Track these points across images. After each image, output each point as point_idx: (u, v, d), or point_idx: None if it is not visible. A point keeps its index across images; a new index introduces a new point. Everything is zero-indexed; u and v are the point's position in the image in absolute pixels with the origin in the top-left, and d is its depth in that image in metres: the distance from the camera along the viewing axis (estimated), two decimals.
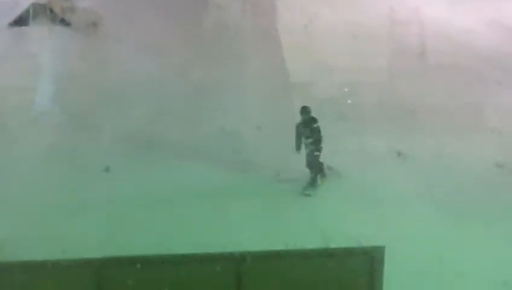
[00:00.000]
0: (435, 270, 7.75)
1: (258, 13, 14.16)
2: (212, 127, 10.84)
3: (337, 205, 9.04)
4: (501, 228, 8.62)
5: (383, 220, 8.63)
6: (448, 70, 12.54)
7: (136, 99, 11.42)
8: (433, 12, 14.19)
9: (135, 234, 8.24)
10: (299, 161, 9.45)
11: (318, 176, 9.56)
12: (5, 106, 11.08)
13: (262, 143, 10.00)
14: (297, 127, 9.51)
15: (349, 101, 11.63)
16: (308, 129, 9.43)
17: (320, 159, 9.48)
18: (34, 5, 13.42)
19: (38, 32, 13.21)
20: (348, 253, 6.33)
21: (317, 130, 9.41)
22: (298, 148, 9.51)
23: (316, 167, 9.52)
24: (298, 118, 9.59)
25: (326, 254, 6.40)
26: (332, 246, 7.18)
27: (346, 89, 11.91)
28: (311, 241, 7.74)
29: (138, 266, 5.82)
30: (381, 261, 6.10)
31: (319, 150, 9.43)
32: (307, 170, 9.50)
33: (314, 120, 9.47)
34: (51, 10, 13.45)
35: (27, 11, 13.41)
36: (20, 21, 13.46)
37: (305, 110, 9.49)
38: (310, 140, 9.40)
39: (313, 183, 9.49)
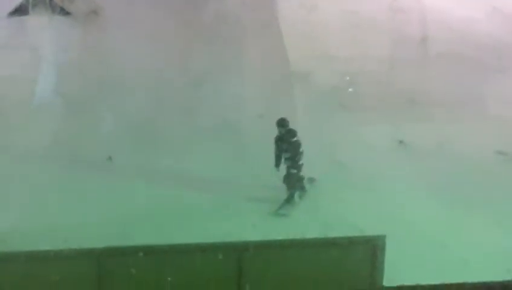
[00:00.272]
0: (437, 258, 7.76)
1: (258, 3, 14.10)
2: (212, 117, 10.82)
3: (337, 194, 9.03)
4: (504, 215, 8.62)
5: (384, 209, 8.64)
6: (449, 59, 12.51)
7: (136, 89, 11.40)
8: (434, 1, 14.12)
9: (137, 223, 8.23)
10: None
11: (296, 194, 8.90)
12: (5, 96, 11.05)
13: (264, 131, 9.92)
14: (276, 141, 8.75)
15: (350, 90, 11.60)
16: (286, 143, 8.69)
17: (303, 172, 8.80)
18: None
19: (38, 22, 13.18)
20: (349, 242, 6.34)
21: (295, 145, 8.66)
22: (277, 164, 8.75)
23: (292, 185, 8.82)
24: (299, 109, 9.52)
25: (327, 243, 6.41)
26: (333, 235, 7.18)
27: (347, 78, 11.88)
28: (312, 231, 7.75)
29: (141, 254, 5.83)
30: (383, 250, 6.12)
31: (296, 167, 8.74)
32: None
33: (291, 133, 8.71)
34: None
35: (26, 1, 13.36)
36: (20, 10, 13.42)
37: (281, 123, 8.72)
38: (287, 155, 8.70)
39: (289, 201, 8.82)
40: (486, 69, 12.32)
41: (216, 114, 10.86)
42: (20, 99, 11.09)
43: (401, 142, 10.27)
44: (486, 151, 10.09)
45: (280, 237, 6.80)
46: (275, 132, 8.84)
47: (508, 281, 6.28)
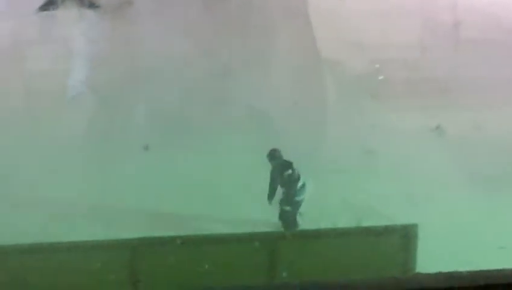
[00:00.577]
0: (474, 246, 7.65)
1: None
2: (241, 106, 10.82)
3: (368, 183, 8.96)
4: None
5: (417, 197, 8.55)
6: (482, 44, 12.27)
7: (166, 80, 11.44)
8: None
9: (174, 212, 8.24)
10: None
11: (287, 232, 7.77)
12: (38, 89, 11.20)
13: (296, 119, 9.79)
14: (272, 173, 7.91)
15: (380, 78, 11.48)
16: (280, 177, 7.84)
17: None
18: None
19: (68, 16, 13.31)
20: (381, 231, 6.31)
21: (290, 179, 7.78)
22: (270, 197, 7.80)
23: (288, 224, 7.74)
24: (330, 97, 9.40)
25: (359, 233, 6.40)
26: (365, 224, 7.14)
27: (377, 66, 11.75)
28: (343, 221, 7.71)
29: (177, 243, 5.86)
30: (415, 239, 6.07)
31: (291, 204, 7.77)
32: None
33: (285, 166, 7.89)
34: None
35: None
36: (49, 5, 13.54)
37: (272, 155, 7.98)
38: (282, 190, 7.84)
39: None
40: None
41: (246, 103, 10.85)
42: (53, 92, 11.20)
43: (433, 129, 10.12)
44: None
45: (311, 227, 6.79)
46: (303, 121, 8.76)
47: None
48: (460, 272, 1.92)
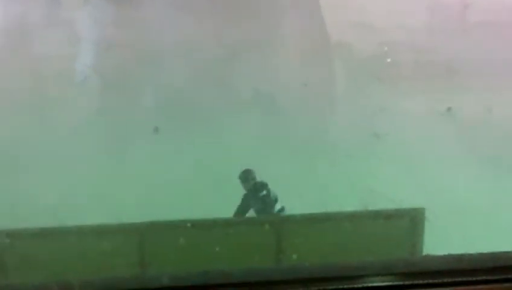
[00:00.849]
0: (483, 229, 7.59)
1: None
2: (248, 89, 10.78)
3: (377, 166, 8.91)
4: None
5: (424, 181, 8.50)
6: (490, 27, 12.14)
7: (173, 63, 11.39)
8: None
9: (184, 196, 8.23)
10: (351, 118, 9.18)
11: None
12: (45, 74, 11.19)
13: (303, 102, 9.71)
14: (244, 197, 7.28)
15: (388, 60, 11.39)
16: (253, 200, 7.23)
17: None
18: None
19: None
20: (387, 215, 6.27)
21: (266, 201, 7.19)
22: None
23: None
24: (338, 79, 9.33)
25: (365, 217, 6.35)
26: (371, 208, 7.09)
27: (385, 48, 11.66)
28: (349, 205, 7.67)
29: (187, 227, 5.84)
30: (422, 223, 6.03)
31: None
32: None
33: (260, 187, 7.30)
34: None
35: None
36: None
37: (246, 176, 7.38)
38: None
39: None
40: None
41: (253, 85, 10.81)
42: (60, 77, 11.20)
43: (443, 112, 10.05)
44: None
45: (318, 211, 6.75)
46: (309, 104, 8.72)
47: None
48: (470, 254, 1.89)
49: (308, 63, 11.21)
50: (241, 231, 5.94)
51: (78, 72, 11.30)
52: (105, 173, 8.83)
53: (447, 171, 8.77)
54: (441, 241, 6.93)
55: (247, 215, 7.33)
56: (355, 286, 1.74)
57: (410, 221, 6.11)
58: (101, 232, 5.82)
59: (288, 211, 7.05)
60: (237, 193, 8.19)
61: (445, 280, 1.66)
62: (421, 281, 1.67)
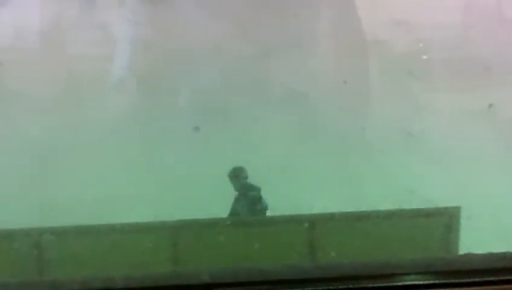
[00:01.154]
0: None
1: None
2: (281, 88, 10.78)
3: (412, 165, 8.83)
4: None
5: (459, 180, 8.40)
6: None
7: (206, 62, 11.45)
8: None
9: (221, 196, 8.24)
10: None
11: None
12: (81, 75, 11.34)
13: (336, 100, 9.65)
14: (235, 202, 6.79)
15: (424, 57, 11.27)
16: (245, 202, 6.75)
17: None
18: None
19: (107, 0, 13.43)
20: (421, 214, 6.22)
21: (256, 203, 6.74)
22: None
23: None
24: (372, 77, 9.25)
25: (400, 216, 6.30)
26: (406, 207, 7.03)
27: (421, 45, 11.54)
28: (383, 204, 7.62)
29: (220, 227, 5.87)
30: (457, 223, 5.96)
31: None
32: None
33: (251, 187, 6.88)
34: None
35: None
36: None
37: (237, 173, 6.86)
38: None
39: None
40: None
41: (286, 85, 10.80)
42: (96, 77, 11.34)
43: (482, 109, 9.91)
44: None
45: (349, 210, 6.72)
46: (342, 103, 8.67)
47: None
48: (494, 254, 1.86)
49: (343, 61, 11.16)
50: (277, 229, 5.95)
51: (114, 73, 11.45)
52: (144, 173, 8.91)
53: (484, 170, 8.64)
54: (477, 240, 6.84)
55: None
56: (394, 284, 1.74)
57: (446, 220, 6.04)
58: (140, 230, 5.89)
59: (322, 210, 7.00)
60: (270, 192, 8.22)
61: (487, 279, 1.64)
62: (462, 280, 1.66)
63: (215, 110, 10.18)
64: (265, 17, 12.57)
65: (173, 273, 1.77)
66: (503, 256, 1.77)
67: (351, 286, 1.64)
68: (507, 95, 10.17)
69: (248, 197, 6.80)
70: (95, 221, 6.20)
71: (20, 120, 9.93)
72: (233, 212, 6.81)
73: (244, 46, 11.88)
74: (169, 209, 7.33)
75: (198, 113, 10.19)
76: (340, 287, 1.65)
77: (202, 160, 9.08)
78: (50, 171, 8.68)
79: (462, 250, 6.03)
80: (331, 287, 1.66)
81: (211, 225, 5.90)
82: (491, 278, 1.68)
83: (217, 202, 7.81)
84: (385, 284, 1.70)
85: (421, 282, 1.70)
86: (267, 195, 7.94)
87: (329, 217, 6.08)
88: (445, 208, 6.22)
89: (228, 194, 7.87)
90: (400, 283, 1.71)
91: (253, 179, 8.52)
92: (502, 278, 1.68)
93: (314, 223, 6.00)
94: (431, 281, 1.71)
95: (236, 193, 6.88)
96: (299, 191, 8.31)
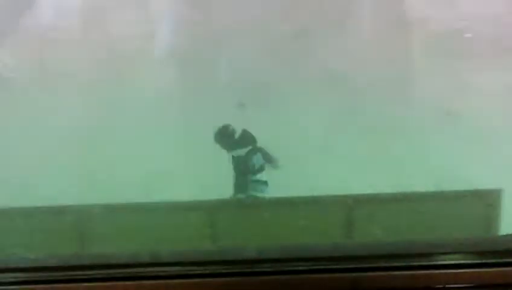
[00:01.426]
0: None
1: None
2: (319, 68, 10.74)
3: (451, 145, 8.73)
4: None
5: (501, 162, 8.26)
6: None
7: (244, 42, 11.47)
8: None
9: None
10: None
11: None
12: (125, 53, 11.49)
13: (376, 79, 9.53)
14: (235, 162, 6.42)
15: (467, 35, 11.05)
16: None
17: None
18: None
19: None
20: (462, 196, 6.16)
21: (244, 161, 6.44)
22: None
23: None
24: (413, 55, 9.13)
25: (439, 198, 6.26)
26: (445, 189, 6.98)
27: (464, 22, 11.31)
28: (422, 185, 7.57)
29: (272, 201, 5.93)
30: (498, 204, 5.90)
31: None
32: None
33: (246, 140, 6.52)
34: None
35: None
36: None
37: (223, 132, 6.48)
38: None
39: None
40: None
41: (324, 65, 10.75)
42: (140, 55, 11.47)
43: None
44: None
45: (388, 191, 6.70)
46: (382, 81, 8.58)
47: None
48: None
49: (384, 40, 11.04)
50: (317, 209, 5.98)
51: (157, 51, 11.57)
52: (189, 149, 8.95)
53: None
54: None
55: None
56: (434, 263, 1.77)
57: (486, 202, 5.98)
58: (187, 208, 5.97)
59: (362, 191, 6.99)
60: (310, 171, 8.24)
61: None
62: (502, 260, 1.68)
63: (256, 89, 10.21)
64: None
65: (220, 248, 1.84)
66: None
67: (394, 265, 1.69)
68: None
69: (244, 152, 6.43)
70: (140, 199, 6.34)
71: (66, 99, 10.13)
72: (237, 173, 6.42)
73: (284, 25, 11.85)
74: (213, 187, 7.42)
75: (239, 91, 10.23)
76: (382, 265, 1.69)
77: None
78: (95, 149, 8.84)
79: (503, 233, 5.97)
80: (374, 265, 1.70)
81: (252, 204, 5.97)
82: None
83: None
84: (425, 263, 1.74)
85: (462, 261, 1.73)
86: (307, 174, 7.98)
87: (369, 198, 6.09)
88: (486, 190, 6.16)
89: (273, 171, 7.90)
90: (440, 262, 1.74)
91: (293, 157, 8.56)
92: None
93: (353, 204, 6.02)
94: (471, 261, 1.74)
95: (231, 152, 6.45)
96: (338, 171, 8.31)
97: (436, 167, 8.32)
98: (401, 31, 11.21)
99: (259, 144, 8.78)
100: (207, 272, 1.80)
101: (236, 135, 6.52)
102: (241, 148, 6.42)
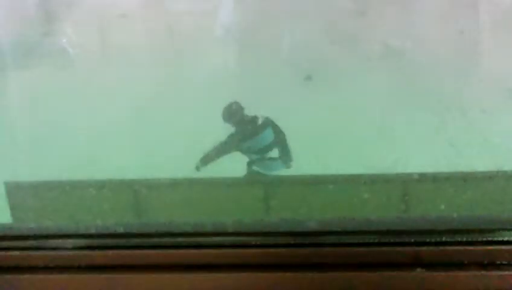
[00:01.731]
0: None
1: None
2: (378, 45, 10.60)
3: (510, 124, 8.49)
4: None
5: None
6: None
7: (304, 20, 11.41)
8: None
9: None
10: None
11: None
12: (181, 31, 11.59)
13: (436, 57, 9.30)
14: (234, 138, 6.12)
15: None
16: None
17: None
18: None
19: None
20: None
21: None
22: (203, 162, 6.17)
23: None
24: (474, 33, 8.88)
25: (498, 177, 6.11)
26: (506, 169, 6.81)
27: None
28: (483, 164, 7.41)
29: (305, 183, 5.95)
30: None
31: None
32: None
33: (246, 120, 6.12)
34: None
35: None
36: None
37: (230, 110, 6.14)
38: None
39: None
40: None
41: (383, 42, 10.60)
42: (200, 31, 11.54)
43: None
44: None
45: (447, 170, 6.59)
46: (442, 60, 8.40)
47: None
48: None
49: (442, 18, 10.78)
50: (364, 187, 5.93)
51: (216, 28, 11.63)
52: None
53: None
54: None
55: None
56: (498, 239, 1.75)
57: None
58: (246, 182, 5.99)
59: (421, 169, 6.90)
60: (367, 149, 8.17)
61: None
62: None
63: (315, 66, 10.16)
64: None
65: (281, 220, 1.87)
66: None
67: (457, 239, 1.69)
68: None
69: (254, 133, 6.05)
70: (200, 174, 6.41)
71: (126, 74, 10.32)
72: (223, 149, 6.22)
73: (345, 2, 11.72)
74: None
75: (298, 68, 10.20)
76: (445, 239, 1.69)
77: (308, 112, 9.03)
78: (151, 124, 8.99)
79: None
80: (437, 239, 1.70)
81: (318, 180, 5.95)
82: None
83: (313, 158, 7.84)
84: (489, 239, 1.73)
85: None
86: (364, 152, 7.93)
87: (428, 177, 6.00)
88: None
89: (315, 150, 7.88)
90: (505, 238, 1.72)
91: (349, 136, 8.50)
92: None
93: (411, 182, 5.95)
94: None
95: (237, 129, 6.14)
96: (394, 151, 8.23)
97: (497, 146, 8.12)
98: (462, 9, 10.92)
99: (315, 121, 8.78)
100: (268, 242, 1.83)
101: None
102: (252, 125, 6.08)
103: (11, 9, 12.08)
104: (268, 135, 6.13)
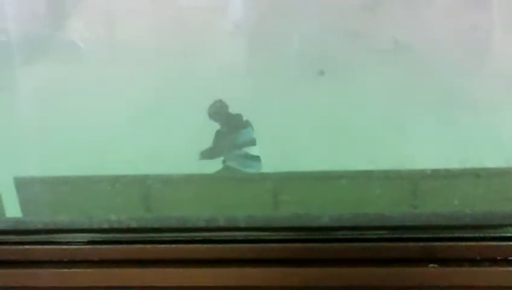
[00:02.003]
0: None
1: None
2: (387, 40, 10.56)
3: None
4: None
5: None
6: None
7: (314, 13, 11.36)
8: None
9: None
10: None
11: None
12: (191, 25, 11.58)
13: (446, 52, 9.27)
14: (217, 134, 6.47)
15: None
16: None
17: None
18: None
19: None
20: None
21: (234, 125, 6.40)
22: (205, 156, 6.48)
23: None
24: (484, 28, 8.83)
25: (508, 174, 6.08)
26: None
27: None
28: (492, 160, 7.38)
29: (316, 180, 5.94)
30: None
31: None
32: None
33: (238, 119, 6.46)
34: None
35: None
36: None
37: (216, 109, 6.48)
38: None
39: None
40: None
41: (392, 37, 10.56)
42: (211, 26, 11.54)
43: None
44: None
45: (455, 166, 6.58)
46: (452, 55, 8.35)
47: None
48: None
49: (452, 12, 10.72)
50: (375, 184, 5.91)
51: (228, 23, 11.63)
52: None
53: None
54: None
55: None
56: (506, 235, 1.75)
57: None
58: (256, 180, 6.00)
59: (429, 165, 6.87)
60: (375, 145, 8.15)
61: None
62: None
63: (324, 59, 10.13)
64: None
65: (294, 215, 1.87)
66: None
67: (470, 235, 1.69)
68: None
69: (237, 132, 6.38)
70: (206, 170, 6.43)
71: (134, 69, 10.33)
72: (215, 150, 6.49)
73: None
74: (280, 157, 7.43)
75: (307, 62, 10.18)
76: (457, 235, 1.69)
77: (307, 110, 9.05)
78: (159, 121, 9.00)
79: None
80: (449, 235, 1.71)
81: (331, 176, 5.94)
82: None
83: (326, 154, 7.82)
84: (504, 234, 1.73)
85: None
86: (371, 148, 7.91)
87: (440, 173, 5.97)
88: None
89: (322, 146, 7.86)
90: (508, 234, 1.72)
91: (356, 129, 8.48)
92: None
93: (419, 179, 5.93)
94: None
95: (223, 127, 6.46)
96: (404, 145, 8.21)
97: (506, 142, 8.08)
98: (473, 2, 10.87)
99: (324, 114, 8.77)
100: (280, 237, 1.84)
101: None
102: (235, 122, 6.41)
103: (22, 4, 12.12)
104: (249, 132, 6.45)
